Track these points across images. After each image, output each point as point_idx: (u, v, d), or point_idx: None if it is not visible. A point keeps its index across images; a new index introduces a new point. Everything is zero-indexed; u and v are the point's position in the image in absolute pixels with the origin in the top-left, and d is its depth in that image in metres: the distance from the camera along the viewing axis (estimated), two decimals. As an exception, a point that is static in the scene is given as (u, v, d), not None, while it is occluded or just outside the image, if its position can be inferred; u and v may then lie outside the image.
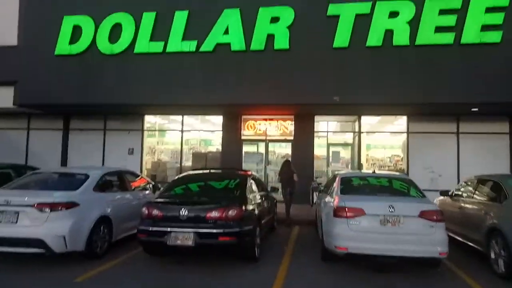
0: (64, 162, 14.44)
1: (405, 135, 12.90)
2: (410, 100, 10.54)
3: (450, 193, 7.71)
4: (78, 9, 11.96)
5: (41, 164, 14.28)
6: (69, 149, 14.60)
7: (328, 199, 6.56)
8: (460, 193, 7.35)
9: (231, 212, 5.47)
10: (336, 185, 6.37)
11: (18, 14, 13.13)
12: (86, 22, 11.78)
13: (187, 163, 14.31)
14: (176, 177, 7.00)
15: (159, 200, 5.86)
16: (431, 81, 10.34)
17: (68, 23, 11.90)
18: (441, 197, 8.05)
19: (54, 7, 12.18)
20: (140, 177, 8.29)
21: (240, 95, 11.17)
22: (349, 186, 6.26)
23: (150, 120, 14.69)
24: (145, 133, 14.25)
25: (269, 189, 8.72)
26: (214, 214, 5.41)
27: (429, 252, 5.18)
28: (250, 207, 6.19)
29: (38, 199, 5.50)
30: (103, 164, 14.20)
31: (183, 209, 5.48)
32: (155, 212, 5.58)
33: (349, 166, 14.71)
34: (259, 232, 6.37)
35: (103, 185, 6.71)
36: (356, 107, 11.69)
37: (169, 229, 5.39)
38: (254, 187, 7.35)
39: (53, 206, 5.51)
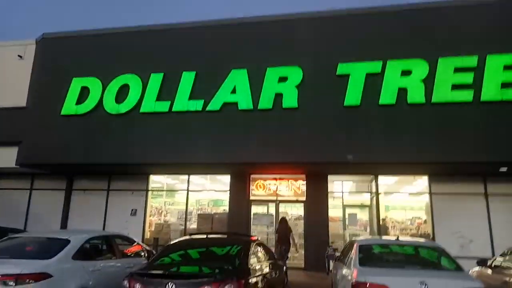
0: (64, 224, 13.72)
1: (427, 196, 11.86)
2: (428, 158, 9.77)
3: (489, 263, 6.58)
4: (88, 71, 12.06)
5: (41, 226, 13.70)
6: (70, 210, 13.97)
7: (345, 271, 5.58)
8: (503, 263, 6.23)
9: (228, 287, 4.55)
10: (353, 254, 5.41)
11: (30, 77, 13.36)
12: (94, 83, 11.80)
13: (193, 225, 13.40)
14: (170, 243, 6.16)
15: (143, 271, 4.99)
16: (450, 139, 9.64)
17: (76, 84, 11.95)
18: (477, 268, 6.90)
19: (66, 70, 12.32)
20: (134, 242, 7.44)
21: (247, 154, 10.62)
22: (369, 255, 5.32)
23: (156, 179, 14.10)
24: (150, 193, 13.60)
25: (276, 256, 7.72)
26: None
27: None
28: (254, 280, 5.24)
29: (2, 270, 4.72)
30: (104, 226, 13.42)
31: (170, 283, 4.59)
32: (137, 286, 4.69)
33: (368, 229, 13.53)
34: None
35: (85, 252, 5.91)
36: (371, 166, 10.92)
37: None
38: (260, 254, 6.42)
39: (20, 278, 4.70)
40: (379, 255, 5.46)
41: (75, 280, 5.38)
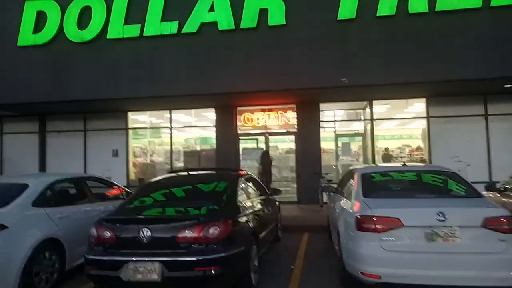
0: (42, 169, 12.94)
1: (424, 121, 11.23)
2: (429, 77, 8.89)
3: (498, 186, 6.07)
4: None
5: (17, 172, 12.90)
6: (47, 154, 13.11)
7: (344, 203, 4.96)
8: (514, 187, 5.72)
9: (213, 230, 3.88)
10: (355, 184, 4.75)
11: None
12: (50, 7, 10.23)
13: (179, 163, 12.75)
14: (147, 182, 5.40)
15: (114, 216, 4.28)
16: (455, 54, 8.71)
17: (30, 8, 10.34)
18: (485, 193, 6.41)
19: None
20: (113, 185, 6.69)
21: (231, 82, 9.59)
22: (373, 185, 4.66)
23: (137, 118, 13.12)
24: (130, 132, 12.69)
25: (268, 191, 7.12)
26: (189, 234, 3.83)
27: (501, 280, 3.56)
28: (243, 219, 4.62)
29: None
30: (85, 169, 12.69)
31: (145, 229, 3.89)
32: (107, 233, 4.00)
33: (360, 159, 13.08)
34: (256, 251, 4.79)
35: (50, 198, 5.16)
36: (367, 90, 10.03)
37: (125, 259, 3.81)
38: (251, 190, 5.77)
39: (-36, 232, 3.95)
40: (384, 184, 4.82)
41: (39, 230, 4.68)
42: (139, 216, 4.20)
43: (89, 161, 12.75)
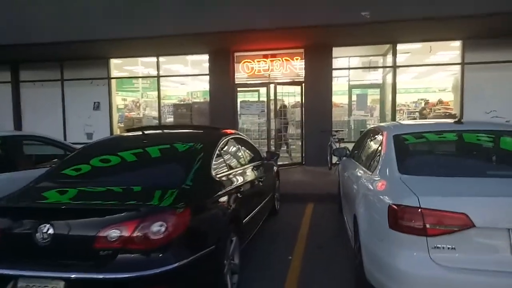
0: (18, 123, 11.57)
1: (458, 68, 9.36)
2: (473, 10, 6.94)
3: None
4: None
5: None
6: (22, 106, 11.67)
7: (365, 176, 3.42)
8: None
9: (158, 227, 2.40)
10: (384, 151, 3.18)
11: None
12: None
13: (169, 118, 11.25)
14: (83, 146, 3.88)
15: (5, 203, 2.77)
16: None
17: None
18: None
19: None
20: (68, 147, 5.19)
21: (225, 19, 7.78)
22: (415, 155, 3.12)
23: (118, 65, 11.45)
24: (113, 82, 11.08)
25: (265, 154, 5.59)
26: (115, 234, 2.35)
27: None
28: (218, 202, 3.16)
29: None
30: (64, 123, 11.28)
31: (44, 226, 2.41)
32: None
33: (374, 114, 11.40)
34: (237, 244, 3.36)
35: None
36: (390, 29, 8.15)
37: (12, 273, 2.38)
38: (237, 156, 4.26)
39: None
40: (432, 154, 3.23)
41: None
42: (36, 204, 2.71)
43: (68, 115, 11.30)
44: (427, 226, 2.25)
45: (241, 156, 4.38)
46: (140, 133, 3.84)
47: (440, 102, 13.32)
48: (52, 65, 11.14)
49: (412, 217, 2.30)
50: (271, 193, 5.35)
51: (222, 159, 3.70)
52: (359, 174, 3.74)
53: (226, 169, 3.67)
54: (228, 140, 4.17)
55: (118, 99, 12.83)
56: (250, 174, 4.29)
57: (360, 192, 3.34)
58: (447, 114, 11.56)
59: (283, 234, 4.93)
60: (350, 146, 8.51)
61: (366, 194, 3.15)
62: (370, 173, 3.31)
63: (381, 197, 2.70)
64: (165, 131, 4.41)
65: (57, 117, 11.27)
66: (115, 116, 11.21)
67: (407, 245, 2.32)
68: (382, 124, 4.23)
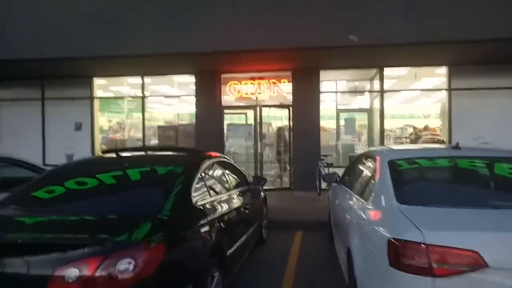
0: (-6, 143, 11.04)
1: (445, 94, 9.39)
2: (461, 35, 6.97)
3: None
4: None
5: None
6: (0, 125, 11.16)
7: (359, 205, 3.16)
8: None
9: (125, 266, 2.06)
10: (378, 178, 2.94)
11: None
12: None
13: (153, 140, 10.92)
14: (51, 169, 3.54)
15: None
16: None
17: None
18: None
19: None
20: (41, 170, 4.79)
21: (211, 39, 7.63)
22: (412, 183, 2.88)
23: (102, 84, 11.18)
24: (96, 102, 10.75)
25: (251, 179, 5.30)
26: (73, 274, 1.98)
27: None
28: (198, 232, 2.85)
29: None
30: (43, 145, 10.81)
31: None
32: None
33: (362, 139, 11.30)
34: (219, 280, 3.02)
35: None
36: (378, 53, 8.15)
37: None
38: (221, 181, 3.97)
39: None
40: (431, 182, 3.01)
41: None
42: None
43: (49, 136, 10.85)
44: (434, 265, 1.98)
45: (226, 181, 4.09)
46: (115, 155, 3.52)
47: (426, 128, 13.36)
48: (32, 83, 10.78)
49: (415, 255, 2.04)
50: (258, 221, 5.04)
51: (205, 184, 3.41)
52: (351, 203, 3.49)
53: (209, 196, 3.37)
54: (212, 163, 3.89)
55: (103, 120, 12.47)
56: (235, 201, 3.99)
57: (354, 223, 3.07)
58: (435, 140, 11.55)
59: (271, 266, 4.59)
60: (339, 170, 8.31)
61: (360, 225, 2.89)
62: (364, 202, 3.05)
63: (379, 229, 2.44)
64: (143, 153, 4.11)
65: (36, 137, 10.81)
66: (98, 137, 10.82)
67: (411, 287, 2.04)
68: (374, 148, 4.02)
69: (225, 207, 3.55)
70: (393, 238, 2.17)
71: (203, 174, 3.45)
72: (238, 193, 4.26)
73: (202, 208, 3.09)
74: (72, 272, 1.98)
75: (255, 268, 4.46)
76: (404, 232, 2.15)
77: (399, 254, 2.10)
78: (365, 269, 2.52)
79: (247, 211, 4.26)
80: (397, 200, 2.54)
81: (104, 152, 4.07)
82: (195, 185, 3.16)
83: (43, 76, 10.61)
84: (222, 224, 3.24)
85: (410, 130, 13.46)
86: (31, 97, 10.84)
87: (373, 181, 3.12)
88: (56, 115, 10.78)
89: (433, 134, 13.00)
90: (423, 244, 2.02)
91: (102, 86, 11.17)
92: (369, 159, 3.70)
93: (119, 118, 12.40)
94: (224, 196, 3.74)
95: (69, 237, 2.25)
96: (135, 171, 3.18)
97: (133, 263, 2.07)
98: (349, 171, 4.65)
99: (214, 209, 3.29)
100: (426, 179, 3.08)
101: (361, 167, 3.94)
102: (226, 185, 4.02)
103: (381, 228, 2.42)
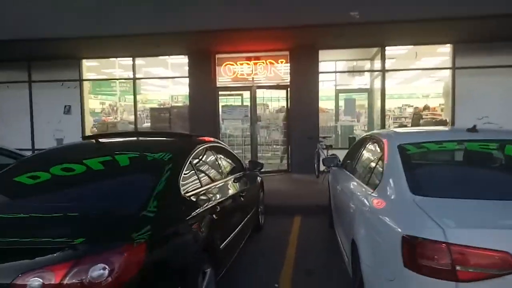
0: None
1: (448, 73, 9.04)
2: (461, 11, 6.56)
3: None
4: None
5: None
6: (-14, 110, 10.76)
7: (364, 194, 2.88)
8: None
9: (98, 272, 1.78)
10: (387, 165, 2.65)
11: None
12: None
13: (145, 123, 10.58)
14: (25, 157, 3.22)
15: None
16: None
17: None
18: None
19: None
20: (10, 153, 4.49)
21: (206, 17, 7.19)
22: (427, 170, 2.59)
23: (92, 66, 10.74)
24: (85, 84, 10.33)
25: (247, 164, 5.00)
26: (36, 281, 1.70)
27: None
28: (191, 225, 2.59)
29: None
30: (32, 129, 10.44)
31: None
32: None
33: (361, 120, 11.03)
34: (211, 276, 2.76)
35: None
36: (380, 31, 7.75)
37: None
38: (214, 168, 3.67)
39: None
40: (448, 170, 2.71)
41: None
42: None
43: (37, 120, 10.46)
44: (457, 268, 1.71)
45: (220, 168, 3.79)
46: (96, 141, 3.20)
47: (427, 108, 13.06)
48: (18, 65, 10.32)
49: (435, 255, 1.76)
50: (254, 207, 4.78)
51: (195, 173, 3.11)
52: (355, 190, 3.21)
53: (200, 185, 3.08)
54: (204, 149, 3.58)
55: (93, 103, 12.10)
56: (230, 189, 3.71)
57: (359, 212, 2.80)
58: (436, 120, 11.27)
59: (268, 255, 4.35)
60: (338, 153, 8.07)
61: (367, 216, 2.61)
62: (370, 190, 2.77)
63: (390, 223, 2.16)
64: (128, 138, 3.78)
65: (24, 121, 10.42)
66: (88, 121, 10.45)
67: (429, 292, 1.77)
68: (379, 131, 3.71)
69: (218, 196, 3.27)
70: (408, 235, 1.89)
71: (194, 162, 3.15)
72: (233, 180, 3.97)
73: (192, 199, 2.80)
74: (34, 281, 1.69)
75: (251, 257, 4.22)
76: (421, 228, 1.87)
77: (416, 254, 1.82)
78: (373, 266, 2.25)
79: (242, 199, 3.99)
80: (410, 190, 2.25)
81: (85, 138, 3.73)
82: (184, 174, 2.86)
83: (30, 58, 10.15)
84: (214, 216, 2.96)
85: (410, 110, 13.17)
86: (17, 80, 10.40)
87: (379, 168, 2.83)
88: (45, 98, 10.37)
89: (434, 114, 12.74)
90: (444, 243, 1.74)
91: (91, 68, 10.76)
92: (374, 143, 3.40)
93: (110, 101, 12.04)
94: (218, 185, 3.45)
95: (33, 240, 1.95)
96: (116, 160, 2.85)
97: (108, 268, 1.79)
98: (351, 155, 4.36)
99: (205, 199, 3.01)
100: (441, 166, 2.79)
101: (365, 152, 3.65)
102: (220, 173, 3.73)
103: (392, 221, 2.15)
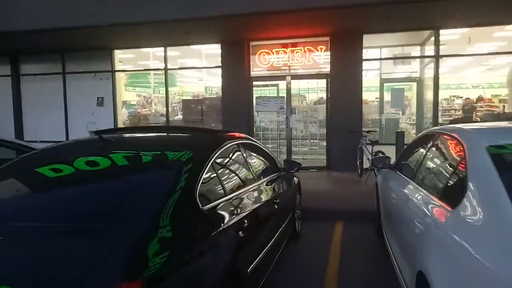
0: (18, 119, 10.77)
1: (514, 58, 7.89)
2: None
3: None
4: None
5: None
6: (23, 101, 10.84)
7: (439, 213, 2.17)
8: None
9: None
10: (472, 173, 1.94)
11: None
12: None
13: (178, 115, 10.23)
14: (23, 156, 2.77)
15: None
16: None
17: None
18: None
19: None
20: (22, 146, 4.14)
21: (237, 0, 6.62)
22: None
23: (124, 57, 10.50)
24: (117, 75, 10.10)
25: (283, 164, 4.35)
26: None
27: None
28: (211, 246, 2.03)
29: None
30: (66, 121, 10.39)
31: None
32: None
33: (410, 113, 10.03)
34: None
35: None
36: (434, 9, 6.78)
37: None
38: (241, 173, 3.09)
39: None
40: None
41: None
42: None
43: (71, 112, 10.40)
44: None
45: (250, 170, 3.20)
46: (106, 137, 2.70)
47: (480, 99, 11.77)
48: (53, 57, 10.28)
49: None
50: (290, 214, 4.16)
51: (220, 177, 2.54)
52: (423, 204, 2.49)
53: (225, 193, 2.51)
54: (233, 147, 3.01)
55: (129, 95, 11.96)
56: (262, 195, 3.12)
57: (432, 237, 2.11)
58: (494, 112, 10.07)
59: (307, 271, 3.73)
60: (384, 149, 7.30)
61: (447, 245, 1.91)
62: (449, 208, 2.06)
63: (487, 262, 1.47)
64: (143, 135, 3.26)
65: (59, 113, 10.39)
66: (120, 113, 10.25)
67: None
68: (450, 127, 2.94)
69: (247, 206, 2.68)
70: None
71: (219, 163, 2.59)
72: (265, 184, 3.38)
73: (215, 211, 2.24)
74: None
75: (286, 275, 3.62)
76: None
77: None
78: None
79: (276, 206, 3.38)
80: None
81: (98, 132, 3.28)
82: (205, 180, 2.30)
83: (63, 50, 10.06)
84: (241, 233, 2.37)
85: (460, 101, 11.88)
86: (52, 72, 10.36)
87: (459, 176, 2.12)
88: (78, 89, 10.26)
89: (491, 106, 11.47)
90: None
91: (123, 59, 10.52)
92: (445, 142, 2.67)
93: (142, 92, 11.81)
94: (247, 191, 2.86)
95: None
96: (120, 163, 2.30)
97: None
98: (408, 155, 3.62)
99: (231, 211, 2.43)
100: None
101: (431, 153, 2.91)
102: (250, 175, 3.14)
103: (491, 260, 1.46)
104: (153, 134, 3.24)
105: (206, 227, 2.10)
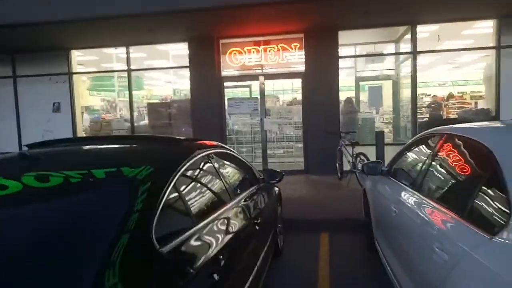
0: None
1: (492, 53, 7.74)
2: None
3: None
4: None
5: None
6: (-31, 109, 9.75)
7: (473, 241, 1.68)
8: None
9: None
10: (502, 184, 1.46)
11: None
12: None
13: (145, 120, 9.49)
14: None
15: None
16: None
17: None
18: None
19: None
20: None
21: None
22: None
23: (83, 59, 9.66)
24: (75, 78, 9.24)
25: (261, 175, 3.78)
26: None
27: None
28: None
29: None
30: (18, 129, 9.41)
31: None
32: None
33: (384, 112, 9.81)
34: None
35: None
36: (411, 3, 6.48)
37: None
38: (212, 192, 2.50)
39: None
40: None
41: None
42: None
43: (24, 119, 9.43)
44: None
45: (225, 186, 2.63)
46: (41, 151, 2.03)
47: (451, 96, 11.76)
48: (1, 59, 9.28)
49: None
50: (272, 230, 3.63)
51: (184, 203, 1.96)
52: (446, 228, 2.00)
53: (192, 222, 1.93)
54: (203, 158, 2.43)
55: (91, 99, 11.09)
56: (239, 217, 2.56)
57: (466, 273, 1.62)
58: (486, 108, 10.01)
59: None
60: (364, 150, 6.93)
61: (491, 285, 1.43)
62: (487, 234, 1.59)
63: None
64: (86, 147, 2.63)
65: (10, 121, 9.40)
66: (79, 119, 9.38)
67: None
68: (461, 126, 2.47)
69: (222, 237, 2.12)
70: None
71: (181, 185, 2.00)
72: (244, 200, 2.82)
73: (175, 254, 1.65)
74: None
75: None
76: None
77: None
78: None
79: (257, 227, 2.83)
80: None
81: (30, 146, 2.61)
82: (163, 210, 1.70)
83: (13, 50, 9.09)
84: (215, 275, 1.80)
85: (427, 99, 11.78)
86: (0, 75, 9.36)
87: (494, 192, 1.65)
88: (31, 94, 9.31)
89: (462, 103, 11.47)
90: None
91: (83, 61, 9.70)
92: (458, 147, 2.22)
93: (107, 96, 10.99)
94: (222, 215, 2.29)
95: None
96: (51, 188, 1.67)
97: None
98: (405, 161, 3.18)
99: (201, 248, 1.86)
100: None
101: (440, 160, 2.45)
102: (225, 194, 2.56)
103: None
104: (100, 146, 2.61)
105: (164, 274, 1.51)
